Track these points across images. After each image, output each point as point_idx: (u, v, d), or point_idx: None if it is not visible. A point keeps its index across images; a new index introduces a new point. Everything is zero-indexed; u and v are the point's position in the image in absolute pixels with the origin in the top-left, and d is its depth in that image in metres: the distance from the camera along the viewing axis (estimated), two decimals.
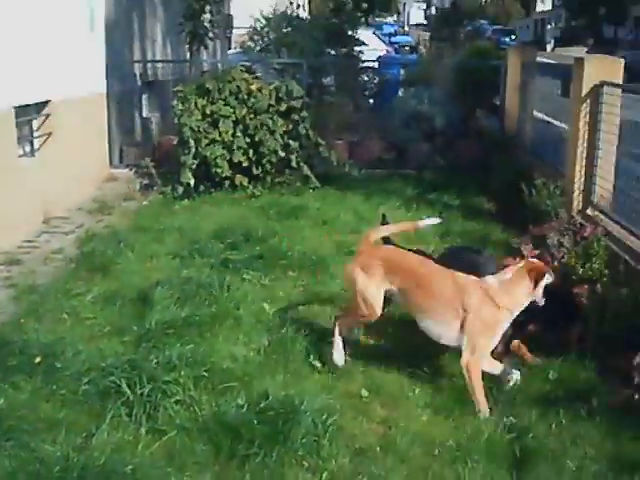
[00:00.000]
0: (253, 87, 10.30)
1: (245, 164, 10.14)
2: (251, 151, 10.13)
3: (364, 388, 4.97)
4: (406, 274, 5.16)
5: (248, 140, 10.11)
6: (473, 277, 5.03)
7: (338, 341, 5.26)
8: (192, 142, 9.80)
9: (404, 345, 5.61)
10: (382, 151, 12.25)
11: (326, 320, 5.84)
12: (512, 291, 4.89)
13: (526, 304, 4.93)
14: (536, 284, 4.90)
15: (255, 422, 4.24)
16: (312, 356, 5.30)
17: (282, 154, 10.24)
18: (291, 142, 10.33)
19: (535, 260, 5.33)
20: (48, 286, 6.61)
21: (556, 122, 9.60)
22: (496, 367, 4.95)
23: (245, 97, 10.21)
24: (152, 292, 6.12)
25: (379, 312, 5.20)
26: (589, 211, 7.51)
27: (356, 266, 5.25)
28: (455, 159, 11.71)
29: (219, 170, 9.98)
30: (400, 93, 14.78)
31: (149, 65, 13.39)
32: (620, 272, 6.16)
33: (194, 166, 9.81)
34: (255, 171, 10.24)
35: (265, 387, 4.66)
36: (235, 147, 10.03)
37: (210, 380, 4.84)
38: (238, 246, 7.61)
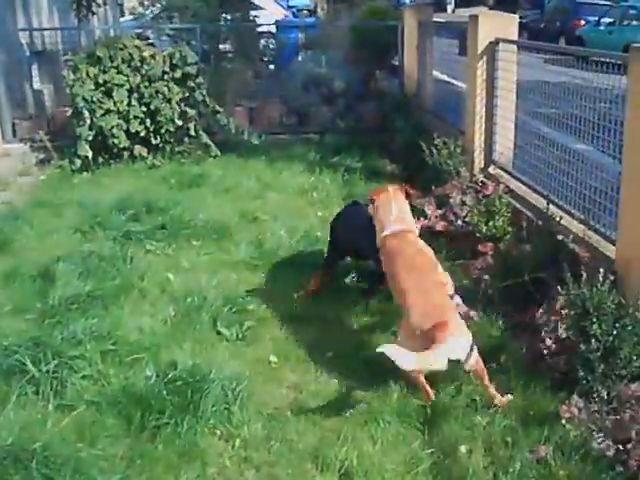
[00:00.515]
0: (146, 54, 10.11)
1: (143, 134, 10.01)
2: (148, 120, 10.00)
3: (273, 354, 5.01)
4: None
5: (144, 109, 9.97)
6: None
7: None
8: (86, 113, 9.59)
9: (314, 312, 5.68)
10: (283, 116, 12.23)
11: (231, 288, 5.90)
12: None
13: None
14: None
15: (165, 393, 4.25)
16: (219, 324, 5.31)
17: (180, 122, 10.13)
18: (188, 110, 10.24)
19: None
20: None
21: (455, 82, 9.74)
22: None
23: (138, 64, 10.02)
24: (54, 268, 6.05)
25: None
26: (490, 169, 7.61)
27: None
28: (356, 122, 11.77)
29: (116, 141, 9.82)
30: (299, 57, 14.78)
31: (37, 34, 12.91)
32: (523, 229, 6.28)
33: (90, 138, 9.62)
34: (154, 141, 10.12)
35: (173, 357, 4.66)
36: (131, 116, 9.87)
37: (117, 353, 4.83)
38: (140, 217, 7.55)
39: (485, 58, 7.57)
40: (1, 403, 4.30)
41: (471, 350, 4.25)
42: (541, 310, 4.80)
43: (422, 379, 4.27)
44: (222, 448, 4.06)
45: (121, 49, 10.04)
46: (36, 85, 12.64)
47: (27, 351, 4.58)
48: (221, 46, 14.11)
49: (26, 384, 4.43)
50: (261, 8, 16.33)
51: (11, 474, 3.58)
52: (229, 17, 15.04)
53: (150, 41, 11.01)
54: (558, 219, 5.64)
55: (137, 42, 10.31)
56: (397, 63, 12.83)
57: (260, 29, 15.36)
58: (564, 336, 4.52)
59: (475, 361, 4.30)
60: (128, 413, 4.21)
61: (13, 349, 4.64)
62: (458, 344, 4.20)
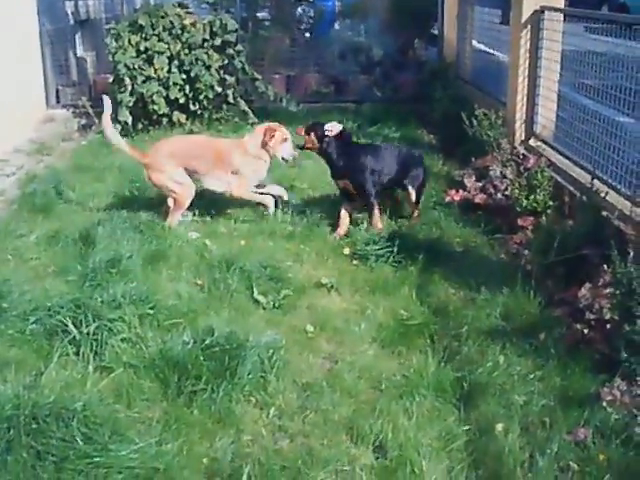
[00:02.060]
0: (186, 22, 10.13)
1: (182, 101, 10.03)
2: (187, 87, 10.03)
3: (309, 323, 5.01)
4: (186, 155, 6.57)
5: (184, 76, 9.99)
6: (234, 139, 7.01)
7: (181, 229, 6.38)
8: (127, 80, 9.67)
9: (349, 280, 5.71)
10: (320, 85, 12.18)
11: (268, 255, 5.92)
12: (257, 144, 6.58)
13: (269, 154, 6.66)
14: (270, 139, 6.59)
15: (201, 358, 4.26)
16: (256, 291, 5.32)
17: (219, 89, 10.14)
18: (227, 77, 10.25)
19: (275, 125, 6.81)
20: None
21: (496, 52, 9.59)
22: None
23: (179, 32, 10.05)
24: (94, 231, 6.13)
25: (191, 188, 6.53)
26: (532, 142, 7.49)
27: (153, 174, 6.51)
28: (394, 91, 11.70)
29: (156, 107, 9.88)
30: (337, 26, 14.67)
31: (81, 3, 13.06)
32: (565, 204, 6.20)
33: (131, 104, 9.71)
34: (193, 107, 10.14)
35: (210, 323, 4.67)
36: (171, 83, 9.91)
37: (155, 317, 4.87)
38: None
39: (529, 27, 7.42)
40: (44, 362, 4.38)
41: None
42: (584, 288, 4.70)
43: None
44: (257, 416, 4.07)
45: (162, 17, 10.07)
46: (79, 53, 12.74)
47: (69, 312, 4.65)
48: (259, 14, 14.03)
49: (67, 344, 4.50)
50: None
51: (53, 431, 3.63)
52: None
53: (190, 9, 10.95)
54: (603, 195, 5.55)
55: (178, 10, 10.30)
56: (436, 32, 12.66)
57: None
58: (608, 316, 4.42)
59: None
60: (165, 377, 4.24)
61: (56, 310, 4.72)
62: None
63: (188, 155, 6.62)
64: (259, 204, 6.78)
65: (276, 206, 6.78)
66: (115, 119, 9.53)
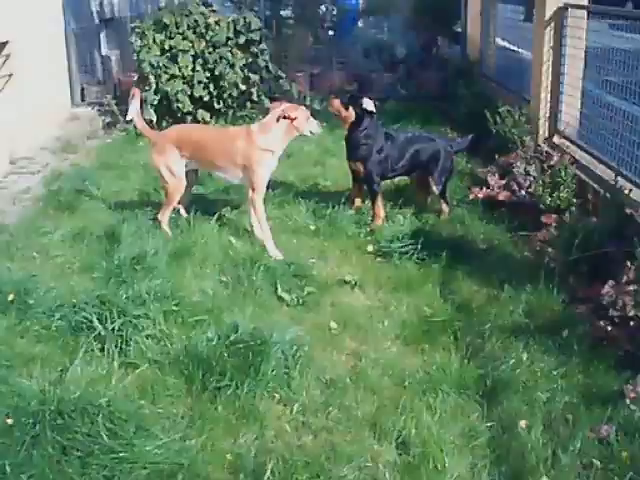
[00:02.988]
0: (211, 20, 10.19)
1: (206, 99, 10.09)
2: (212, 85, 10.08)
3: (333, 320, 5.02)
4: (192, 142, 6.37)
5: (208, 74, 10.05)
6: (242, 127, 6.66)
7: (167, 229, 6.28)
8: (152, 78, 9.76)
9: (373, 277, 5.72)
10: (343, 82, 12.16)
11: (292, 253, 5.95)
12: (268, 131, 6.16)
13: (286, 140, 6.25)
14: (293, 119, 6.16)
15: (226, 355, 4.28)
16: (280, 288, 5.34)
17: (243, 87, 10.19)
18: (251, 75, 10.28)
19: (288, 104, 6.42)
20: (17, 225, 6.67)
21: (519, 49, 9.57)
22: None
23: (203, 31, 10.11)
24: (119, 228, 6.19)
25: (181, 183, 6.36)
26: (555, 139, 7.48)
27: (154, 154, 6.38)
28: (418, 88, 11.70)
29: (181, 105, 9.94)
30: (360, 23, 14.67)
31: (106, 2, 13.17)
32: (589, 201, 6.19)
33: (155, 102, 9.78)
34: (217, 106, 10.20)
35: (234, 320, 4.68)
36: (195, 82, 9.97)
37: (180, 314, 4.90)
38: (203, 181, 7.63)
39: (553, 24, 7.41)
40: (69, 358, 4.42)
41: None
42: (607, 286, 4.67)
43: None
44: (281, 412, 4.09)
45: (187, 15, 10.14)
46: (104, 51, 12.84)
47: (94, 309, 4.69)
48: (282, 12, 14.05)
49: (93, 340, 4.54)
50: None
51: (79, 426, 3.67)
52: None
53: (214, 8, 10.99)
54: (627, 191, 5.52)
55: (202, 9, 10.35)
56: (460, 30, 12.64)
57: None
58: (631, 313, 4.42)
59: None
60: (189, 373, 4.26)
61: (81, 306, 4.76)
62: None
63: (193, 143, 6.40)
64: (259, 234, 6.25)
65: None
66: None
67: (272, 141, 6.18)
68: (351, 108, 6.68)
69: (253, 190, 6.16)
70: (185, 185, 6.45)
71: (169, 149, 6.36)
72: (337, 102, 6.76)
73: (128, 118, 6.62)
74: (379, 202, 6.66)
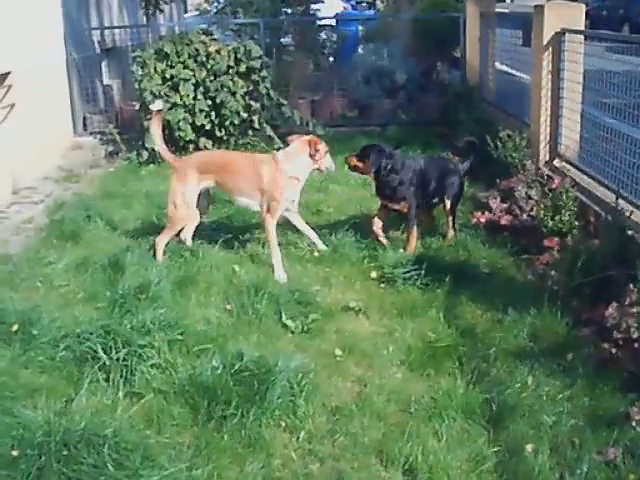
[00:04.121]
0: (211, 49, 10.26)
1: (208, 127, 10.15)
2: (213, 113, 10.15)
3: (338, 347, 5.01)
4: (217, 167, 6.47)
5: (209, 102, 10.11)
6: (267, 154, 6.76)
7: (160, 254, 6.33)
8: None
9: (377, 304, 5.73)
10: (345, 109, 12.27)
11: (296, 280, 5.95)
12: (294, 160, 6.30)
13: (310, 170, 6.42)
14: (316, 152, 6.31)
15: (231, 383, 4.28)
16: (284, 316, 5.34)
17: (244, 115, 10.24)
18: (252, 103, 10.34)
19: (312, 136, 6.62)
20: (21, 255, 6.68)
21: (518, 73, 9.61)
22: (305, 228, 6.64)
23: (204, 59, 10.18)
24: (123, 257, 6.19)
25: (191, 214, 6.42)
26: (556, 162, 7.51)
27: (175, 179, 6.43)
28: (418, 114, 11.76)
29: (182, 134, 9.99)
30: (360, 50, 14.76)
31: (107, 32, 13.31)
32: (590, 223, 6.20)
33: None
34: (219, 134, 10.24)
35: (239, 348, 4.67)
36: (197, 110, 10.05)
37: (184, 343, 4.90)
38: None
39: (551, 49, 7.47)
40: (74, 388, 4.42)
41: None
42: (611, 308, 4.68)
43: None
44: (287, 440, 4.07)
45: (187, 44, 10.23)
46: (106, 80, 12.94)
47: (98, 339, 4.69)
48: (283, 40, 14.16)
49: (97, 370, 4.54)
50: (321, 1, 16.22)
51: (85, 457, 3.66)
52: (290, 11, 15.07)
53: (214, 36, 11.08)
54: (628, 214, 5.54)
55: (203, 37, 10.44)
56: (459, 55, 12.72)
57: (320, 22, 15.33)
58: (635, 335, 4.41)
59: None
60: (195, 402, 4.25)
61: (85, 336, 4.75)
62: None
63: (217, 169, 6.47)
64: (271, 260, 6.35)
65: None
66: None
67: (298, 169, 6.35)
68: (369, 159, 6.65)
69: (269, 212, 6.32)
70: (194, 217, 6.49)
71: (190, 175, 6.40)
72: (353, 159, 6.75)
73: (154, 146, 6.72)
74: (415, 232, 6.65)
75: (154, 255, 6.35)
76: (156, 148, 6.66)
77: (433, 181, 6.84)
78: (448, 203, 6.87)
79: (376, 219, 6.76)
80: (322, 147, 6.41)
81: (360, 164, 6.73)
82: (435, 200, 6.96)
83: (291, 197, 6.45)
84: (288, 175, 6.29)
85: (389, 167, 6.62)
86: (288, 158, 6.36)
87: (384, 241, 6.67)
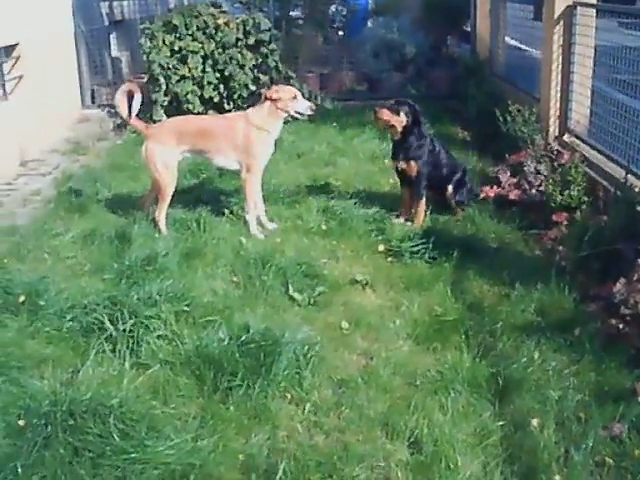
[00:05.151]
0: (220, 21, 10.21)
1: (216, 100, 10.12)
2: (222, 86, 10.12)
3: (344, 320, 5.00)
4: (193, 131, 6.52)
5: (218, 75, 10.09)
6: (241, 112, 6.92)
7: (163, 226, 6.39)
8: (162, 79, 9.81)
9: (384, 277, 5.71)
10: (354, 82, 12.20)
11: (303, 253, 5.94)
12: (260, 112, 6.41)
13: (278, 119, 6.43)
14: (276, 100, 6.34)
15: (237, 355, 4.28)
16: (291, 288, 5.34)
17: (253, 88, 10.20)
18: (261, 76, 10.30)
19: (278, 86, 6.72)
20: (28, 227, 6.69)
21: (529, 48, 9.55)
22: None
23: (213, 32, 10.15)
24: (130, 229, 6.22)
25: (175, 176, 6.48)
26: (566, 137, 7.48)
27: (149, 144, 6.48)
28: (427, 88, 11.68)
29: (191, 106, 9.96)
30: (369, 24, 14.65)
31: (115, 4, 13.20)
32: (599, 199, 6.17)
33: (165, 103, 9.83)
34: (227, 106, 10.19)
35: (246, 320, 4.68)
36: (205, 82, 10.02)
37: (191, 314, 4.90)
38: (213, 181, 7.67)
39: (562, 23, 7.41)
40: (81, 359, 4.43)
41: None
42: (619, 283, 4.65)
43: None
44: (293, 412, 4.08)
45: (196, 17, 10.17)
46: (114, 53, 12.89)
47: (105, 310, 4.71)
48: (292, 13, 14.05)
49: (104, 341, 4.55)
50: None
51: (91, 427, 3.68)
52: None
53: (223, 8, 11.00)
54: (637, 189, 5.50)
55: (212, 10, 10.38)
56: (469, 29, 12.62)
57: None
58: None
59: None
60: (201, 374, 4.26)
61: (92, 307, 4.78)
62: None
63: (193, 134, 6.53)
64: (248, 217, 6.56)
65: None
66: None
67: (265, 121, 6.40)
68: (402, 113, 6.61)
69: (248, 171, 6.47)
70: (176, 179, 6.56)
71: (167, 142, 6.45)
72: (385, 111, 6.62)
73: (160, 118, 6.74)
74: (423, 205, 6.66)
75: (158, 230, 6.35)
76: (124, 117, 6.65)
77: (442, 166, 6.86)
78: (450, 188, 6.86)
79: (405, 210, 6.79)
80: (284, 93, 6.43)
81: (392, 117, 6.63)
82: (440, 184, 6.92)
83: (267, 152, 6.54)
84: (257, 126, 6.38)
85: (417, 127, 6.64)
86: (256, 112, 6.46)
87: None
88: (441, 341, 4.73)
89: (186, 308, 4.93)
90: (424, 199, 6.66)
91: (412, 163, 6.66)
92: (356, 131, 9.77)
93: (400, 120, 6.61)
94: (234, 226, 6.57)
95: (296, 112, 6.44)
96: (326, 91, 11.57)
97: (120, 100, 6.51)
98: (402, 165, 6.72)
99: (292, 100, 6.39)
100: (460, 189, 6.93)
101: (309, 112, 6.46)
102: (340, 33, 14.77)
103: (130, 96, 6.52)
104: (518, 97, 8.64)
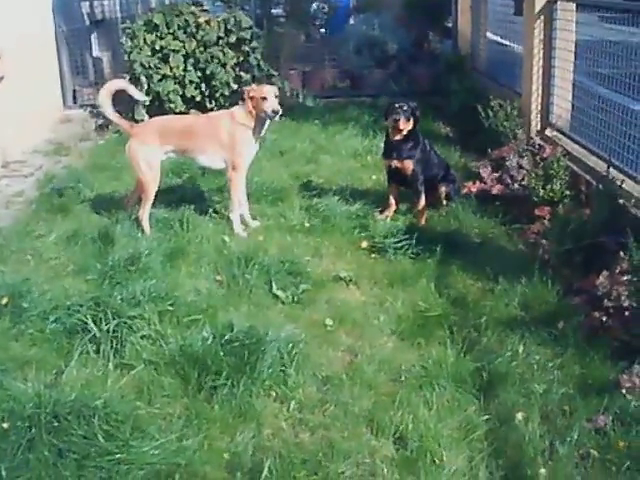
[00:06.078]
0: (201, 20, 10.17)
1: (198, 99, 10.10)
2: (203, 85, 10.10)
3: (328, 317, 5.01)
4: (176, 131, 6.52)
5: (200, 74, 10.07)
6: (226, 110, 6.84)
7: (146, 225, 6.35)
8: (144, 78, 9.78)
9: (368, 273, 5.72)
10: (336, 79, 12.18)
11: (286, 250, 5.94)
12: (242, 110, 6.42)
13: (254, 116, 6.37)
14: (248, 99, 6.36)
15: (221, 354, 4.28)
16: (275, 286, 5.34)
17: (235, 86, 10.16)
18: (243, 74, 10.28)
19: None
20: (10, 229, 6.67)
21: (510, 43, 9.57)
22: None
23: (194, 30, 10.10)
24: (113, 229, 6.20)
25: (158, 176, 6.45)
26: (548, 132, 7.51)
27: (133, 143, 6.43)
28: (409, 84, 11.66)
29: (173, 106, 9.94)
30: (351, 21, 14.65)
31: (96, 4, 13.11)
32: (582, 192, 6.19)
33: (147, 103, 9.75)
34: (209, 105, 10.17)
35: (230, 319, 4.68)
36: (187, 81, 10.00)
37: (175, 314, 4.89)
38: (196, 180, 7.65)
39: (542, 18, 7.43)
40: (65, 360, 4.42)
41: None
42: (601, 277, 4.69)
43: None
44: (277, 410, 4.08)
45: (177, 16, 10.13)
46: (95, 53, 12.82)
47: (88, 311, 4.69)
48: (273, 10, 14.03)
49: (88, 342, 4.53)
50: None
51: (75, 429, 3.67)
52: None
53: (204, 7, 10.97)
54: (619, 183, 5.53)
55: (193, 8, 10.34)
56: (450, 25, 12.64)
57: None
58: (626, 303, 4.43)
59: None
60: (185, 373, 4.26)
61: (75, 308, 4.76)
62: None
63: (177, 133, 6.53)
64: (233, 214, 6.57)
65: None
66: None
67: (249, 119, 6.39)
68: (411, 118, 6.61)
69: (234, 169, 6.47)
70: (159, 178, 6.52)
71: (151, 141, 6.43)
72: (403, 119, 6.55)
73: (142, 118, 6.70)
74: (423, 201, 6.67)
75: (141, 230, 6.32)
76: (108, 116, 6.56)
77: (432, 165, 6.88)
78: (442, 185, 6.91)
79: (392, 205, 6.81)
80: (255, 92, 6.40)
81: (409, 123, 6.62)
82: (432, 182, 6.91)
83: (252, 150, 6.53)
84: (240, 122, 6.40)
85: (415, 127, 6.68)
86: (240, 110, 6.46)
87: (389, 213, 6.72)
88: (425, 336, 4.74)
89: (170, 308, 4.92)
90: (423, 196, 6.66)
91: (407, 162, 6.65)
92: (338, 128, 9.76)
93: (409, 124, 6.62)
94: (217, 225, 6.56)
95: (267, 114, 6.35)
96: (308, 88, 11.56)
97: (104, 99, 6.43)
98: (396, 164, 6.71)
99: (262, 100, 6.34)
100: (452, 185, 6.97)
101: (273, 115, 6.34)
102: (322, 30, 14.75)
103: (114, 96, 6.45)
104: (500, 92, 8.66)
